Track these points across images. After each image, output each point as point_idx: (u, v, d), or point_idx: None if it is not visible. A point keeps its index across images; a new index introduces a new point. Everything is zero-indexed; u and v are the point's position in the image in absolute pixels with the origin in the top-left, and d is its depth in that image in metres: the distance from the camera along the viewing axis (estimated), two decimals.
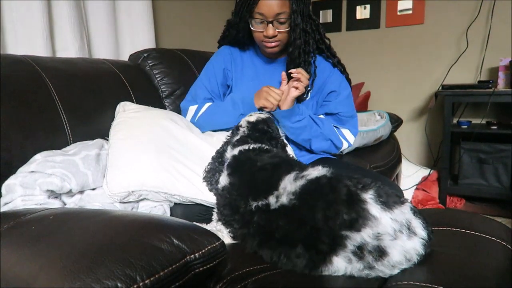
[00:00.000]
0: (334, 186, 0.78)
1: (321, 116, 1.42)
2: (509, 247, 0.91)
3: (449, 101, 2.46)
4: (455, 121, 2.70)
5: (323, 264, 0.75)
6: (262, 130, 1.11)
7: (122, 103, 1.31)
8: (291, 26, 1.26)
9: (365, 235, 0.72)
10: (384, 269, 0.74)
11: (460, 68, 2.71)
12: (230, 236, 0.95)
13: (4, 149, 1.04)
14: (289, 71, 1.30)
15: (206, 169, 1.10)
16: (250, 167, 0.95)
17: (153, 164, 1.07)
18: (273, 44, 1.30)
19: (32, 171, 0.97)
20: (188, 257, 0.66)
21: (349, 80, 1.46)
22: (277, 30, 1.26)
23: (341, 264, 0.74)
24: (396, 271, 0.75)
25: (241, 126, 1.13)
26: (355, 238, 0.72)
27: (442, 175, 2.57)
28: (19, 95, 1.13)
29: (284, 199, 0.81)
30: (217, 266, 0.71)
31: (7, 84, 1.12)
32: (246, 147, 1.02)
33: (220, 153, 1.10)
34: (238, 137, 1.09)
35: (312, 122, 1.35)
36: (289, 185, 0.82)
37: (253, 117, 1.16)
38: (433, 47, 2.83)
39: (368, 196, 0.75)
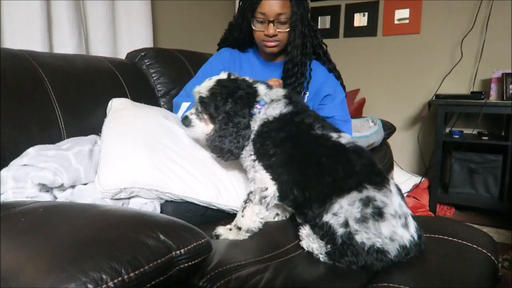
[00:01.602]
0: (372, 157, 0.98)
1: None
2: (490, 255, 0.93)
3: (442, 110, 2.49)
4: (447, 130, 2.73)
5: (335, 196, 0.88)
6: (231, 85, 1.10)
7: (114, 100, 1.32)
8: (291, 27, 1.31)
9: (378, 195, 0.87)
10: (370, 232, 0.84)
11: (453, 78, 2.75)
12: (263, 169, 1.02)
13: None
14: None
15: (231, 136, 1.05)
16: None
17: (145, 161, 1.08)
18: (273, 43, 1.34)
19: (25, 165, 0.98)
20: (173, 252, 0.68)
21: (343, 87, 1.49)
22: (277, 30, 1.30)
23: (345, 204, 0.87)
24: (376, 242, 0.83)
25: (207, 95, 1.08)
26: (370, 192, 0.87)
27: (433, 183, 2.60)
28: (14, 89, 1.14)
29: (343, 141, 0.99)
30: (202, 262, 0.73)
31: (2, 77, 1.13)
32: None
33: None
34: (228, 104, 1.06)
35: None
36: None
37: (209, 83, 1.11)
38: (428, 57, 2.87)
39: (391, 179, 0.94)
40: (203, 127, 1.11)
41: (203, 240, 0.73)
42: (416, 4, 2.85)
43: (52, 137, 1.16)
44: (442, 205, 2.67)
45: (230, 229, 1.02)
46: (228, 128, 1.03)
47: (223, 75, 1.11)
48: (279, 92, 1.11)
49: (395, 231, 0.85)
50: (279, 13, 1.28)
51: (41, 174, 0.97)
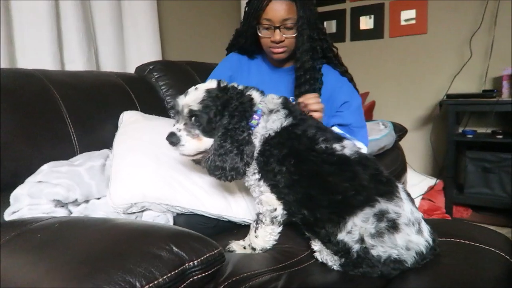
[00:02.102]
0: (377, 165, 0.94)
1: (335, 127, 1.37)
2: (508, 258, 0.91)
3: (453, 110, 2.46)
4: (460, 130, 2.69)
5: (348, 215, 0.85)
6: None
7: (125, 113, 1.34)
8: (298, 32, 1.27)
9: (390, 206, 0.84)
10: (386, 245, 0.82)
11: (464, 77, 2.71)
12: (270, 191, 0.97)
13: (11, 159, 1.07)
14: (298, 101, 1.25)
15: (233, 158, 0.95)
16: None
17: (154, 176, 1.09)
18: (280, 50, 1.31)
19: (39, 181, 1.00)
20: (186, 264, 0.68)
21: (357, 90, 1.45)
22: (284, 35, 1.27)
23: (359, 221, 0.84)
24: (392, 254, 0.82)
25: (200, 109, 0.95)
26: (382, 205, 0.84)
27: (447, 185, 2.56)
28: (28, 107, 1.17)
29: (347, 152, 0.93)
30: (215, 273, 0.73)
31: (17, 96, 1.16)
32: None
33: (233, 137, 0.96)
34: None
35: None
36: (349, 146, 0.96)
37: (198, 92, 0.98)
38: (437, 57, 2.84)
39: (400, 184, 0.92)
40: (195, 144, 0.96)
41: (216, 251, 0.73)
42: (422, 4, 2.84)
43: (65, 153, 1.19)
44: (458, 206, 2.62)
45: (244, 247, 1.00)
46: (227, 145, 0.93)
47: (212, 83, 0.99)
48: (275, 99, 1.02)
49: (410, 239, 0.83)
50: (284, 18, 1.24)
51: (54, 190, 0.99)
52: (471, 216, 2.58)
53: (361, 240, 0.83)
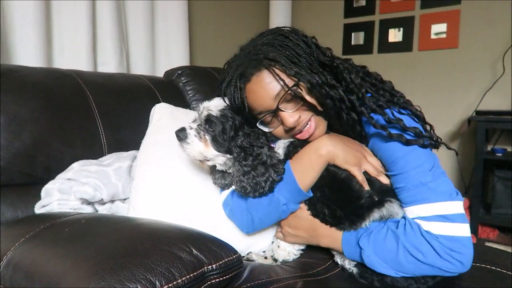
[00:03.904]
0: None
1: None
2: None
3: (482, 127, 2.39)
4: (489, 148, 2.61)
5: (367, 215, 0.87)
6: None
7: (157, 106, 1.25)
8: (308, 90, 0.88)
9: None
10: None
11: (495, 93, 2.63)
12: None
13: (45, 154, 1.12)
14: None
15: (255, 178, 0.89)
16: None
17: (172, 208, 1.01)
18: (307, 134, 0.91)
19: (69, 179, 1.04)
20: (205, 267, 0.69)
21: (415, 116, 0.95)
22: (294, 112, 0.89)
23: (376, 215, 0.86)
24: None
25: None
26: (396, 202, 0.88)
27: (474, 204, 2.48)
28: (62, 105, 1.22)
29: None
30: (232, 278, 0.74)
31: (53, 94, 1.21)
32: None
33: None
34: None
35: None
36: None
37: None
38: (467, 72, 2.77)
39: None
40: (201, 147, 0.91)
41: (234, 256, 0.74)
42: (453, 18, 2.79)
43: (94, 152, 1.23)
44: (484, 227, 2.53)
45: (266, 258, 1.00)
46: (249, 163, 0.87)
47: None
48: None
49: None
50: (277, 92, 0.87)
51: (82, 189, 1.03)
52: (497, 237, 2.49)
53: None
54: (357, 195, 0.89)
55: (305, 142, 0.93)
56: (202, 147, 0.92)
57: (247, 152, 0.89)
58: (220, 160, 0.95)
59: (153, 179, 1.04)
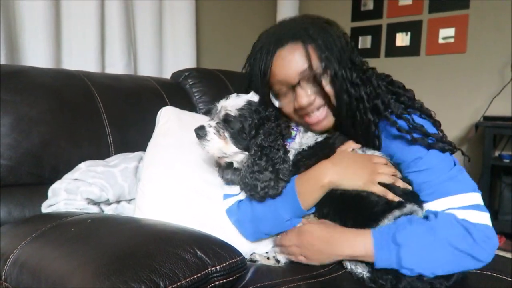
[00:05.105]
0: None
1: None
2: None
3: (490, 132, 2.37)
4: (496, 154, 2.58)
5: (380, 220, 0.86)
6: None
7: (164, 110, 1.25)
8: (331, 81, 0.90)
9: (416, 207, 0.88)
10: None
11: (503, 99, 2.61)
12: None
13: (53, 155, 1.14)
14: None
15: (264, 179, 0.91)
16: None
17: (180, 205, 1.02)
18: (315, 118, 0.93)
19: (76, 179, 1.06)
20: (209, 269, 0.70)
21: (436, 126, 0.96)
22: (310, 93, 0.91)
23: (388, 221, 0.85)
24: None
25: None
26: (409, 206, 0.87)
27: None
28: (70, 106, 1.23)
29: None
30: (236, 280, 0.74)
31: (61, 95, 1.23)
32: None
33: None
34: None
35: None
36: None
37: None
38: (475, 77, 2.75)
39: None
40: (220, 144, 0.93)
41: (238, 258, 0.74)
42: (462, 23, 2.77)
43: (101, 152, 1.24)
44: None
45: (268, 258, 0.99)
46: (262, 163, 0.89)
47: (255, 97, 0.96)
48: None
49: None
50: (302, 70, 0.89)
51: (89, 189, 1.04)
52: (504, 244, 2.46)
53: None
54: (372, 204, 0.88)
55: (313, 152, 0.95)
56: (221, 144, 0.94)
57: (263, 152, 0.91)
58: (238, 157, 0.97)
59: (160, 181, 1.05)
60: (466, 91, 2.80)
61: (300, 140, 0.97)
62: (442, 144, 0.90)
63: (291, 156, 0.96)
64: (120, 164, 1.14)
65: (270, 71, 0.92)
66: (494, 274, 0.92)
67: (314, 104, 0.92)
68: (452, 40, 2.83)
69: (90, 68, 1.69)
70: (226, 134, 0.94)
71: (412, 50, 3.01)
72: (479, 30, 2.72)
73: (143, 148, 1.24)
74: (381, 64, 3.13)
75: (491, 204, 2.64)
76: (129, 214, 1.08)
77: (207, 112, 1.64)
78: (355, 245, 0.85)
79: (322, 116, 0.93)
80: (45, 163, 1.12)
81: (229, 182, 1.03)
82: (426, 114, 0.96)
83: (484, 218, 0.85)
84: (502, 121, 2.37)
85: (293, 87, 0.92)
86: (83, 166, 1.10)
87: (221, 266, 0.71)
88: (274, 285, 0.83)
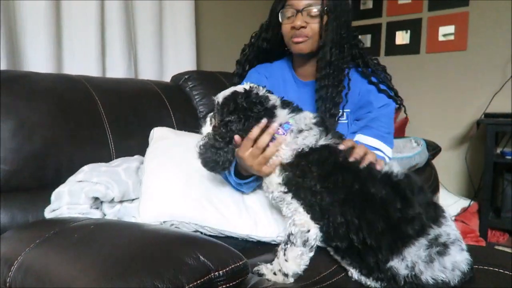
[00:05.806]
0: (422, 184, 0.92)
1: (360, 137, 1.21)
2: None
3: (492, 130, 2.37)
4: (498, 151, 2.58)
5: (404, 245, 0.82)
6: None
7: (156, 129, 1.33)
8: (322, 20, 1.16)
9: (442, 230, 0.84)
10: (435, 268, 0.81)
11: (504, 96, 2.60)
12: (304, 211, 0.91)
13: (55, 159, 1.15)
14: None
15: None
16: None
17: (184, 195, 1.09)
18: (300, 38, 1.18)
19: (80, 181, 1.06)
20: (212, 273, 0.70)
21: (396, 98, 1.25)
22: (305, 21, 1.16)
23: (413, 250, 0.82)
24: (440, 276, 0.81)
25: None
26: (436, 230, 0.83)
27: (483, 207, 2.45)
28: (72, 111, 1.24)
29: (394, 169, 0.91)
30: (239, 284, 0.74)
31: (63, 100, 1.23)
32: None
33: None
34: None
35: None
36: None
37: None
38: (476, 74, 2.75)
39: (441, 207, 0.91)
40: (209, 129, 1.06)
41: (241, 262, 0.75)
42: (462, 20, 2.76)
43: (103, 156, 1.25)
44: (494, 231, 2.50)
45: (275, 273, 0.93)
46: (212, 138, 0.99)
47: (244, 87, 1.02)
48: (308, 119, 0.97)
49: (455, 260, 0.82)
50: (309, 3, 1.15)
51: (94, 188, 1.05)
52: (507, 241, 2.46)
53: (412, 267, 0.81)
54: (392, 217, 0.84)
55: (322, 151, 0.94)
56: (209, 129, 1.07)
57: (221, 134, 0.99)
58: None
59: (163, 171, 1.13)
60: (467, 88, 2.79)
61: (296, 141, 0.94)
62: (396, 98, 1.24)
63: (287, 154, 0.94)
64: (122, 164, 1.17)
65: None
66: (496, 269, 0.92)
67: (304, 31, 1.17)
68: (452, 38, 2.82)
69: (91, 72, 1.69)
70: (215, 121, 1.06)
71: (412, 48, 3.00)
72: (479, 27, 2.71)
73: (143, 152, 1.25)
74: (382, 63, 3.12)
75: (494, 201, 2.64)
76: (132, 214, 1.09)
77: (205, 116, 1.65)
78: None
79: (302, 40, 1.18)
80: (48, 167, 1.13)
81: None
82: (385, 71, 1.29)
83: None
84: (503, 118, 2.36)
85: (296, 12, 1.17)
86: (86, 168, 1.12)
87: (224, 270, 0.71)
88: None
